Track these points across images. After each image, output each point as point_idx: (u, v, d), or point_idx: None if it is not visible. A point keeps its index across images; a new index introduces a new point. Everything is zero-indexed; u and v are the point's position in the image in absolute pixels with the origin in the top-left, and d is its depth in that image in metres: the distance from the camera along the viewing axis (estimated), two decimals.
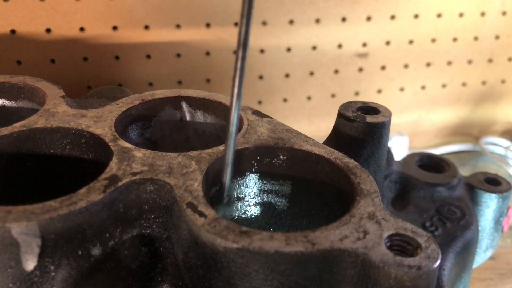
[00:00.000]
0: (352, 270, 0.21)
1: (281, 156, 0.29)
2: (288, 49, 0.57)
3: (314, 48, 0.57)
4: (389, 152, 0.39)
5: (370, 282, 0.21)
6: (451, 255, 0.34)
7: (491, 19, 0.60)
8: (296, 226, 0.31)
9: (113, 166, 0.26)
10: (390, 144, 0.47)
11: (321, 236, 0.21)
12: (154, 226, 0.25)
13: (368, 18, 0.57)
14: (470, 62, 0.63)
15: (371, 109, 0.33)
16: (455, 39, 0.61)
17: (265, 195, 0.30)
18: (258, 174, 0.30)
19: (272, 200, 0.30)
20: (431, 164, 0.41)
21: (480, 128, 0.69)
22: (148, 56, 0.54)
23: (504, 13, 0.60)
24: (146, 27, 0.52)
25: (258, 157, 0.29)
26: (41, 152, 0.30)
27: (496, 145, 0.66)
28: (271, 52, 0.57)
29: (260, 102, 0.60)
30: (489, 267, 0.46)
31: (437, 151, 0.64)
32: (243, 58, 0.21)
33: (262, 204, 0.31)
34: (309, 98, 0.61)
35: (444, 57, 0.62)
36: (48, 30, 0.50)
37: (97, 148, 0.29)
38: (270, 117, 0.32)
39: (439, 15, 0.59)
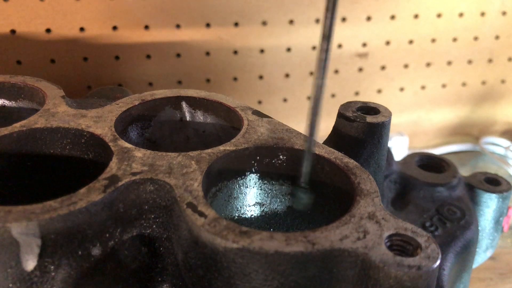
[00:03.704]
0: (352, 270, 0.21)
1: (281, 156, 0.29)
2: (288, 49, 0.57)
3: (314, 48, 0.57)
4: (389, 152, 0.39)
5: (370, 282, 0.21)
6: (451, 255, 0.34)
7: (491, 19, 0.60)
8: (296, 226, 0.31)
9: (113, 166, 0.26)
10: (390, 144, 0.47)
11: (321, 236, 0.21)
12: (154, 226, 0.25)
13: (368, 18, 0.57)
14: (470, 62, 0.63)
15: (371, 109, 0.33)
16: (455, 39, 0.61)
17: (265, 195, 0.30)
18: (258, 174, 0.30)
19: (272, 200, 0.30)
20: (431, 164, 0.41)
21: (480, 128, 0.69)
22: (148, 56, 0.54)
23: (504, 13, 0.60)
24: (146, 27, 0.52)
25: (258, 157, 0.29)
26: (41, 152, 0.30)
27: (496, 145, 0.66)
28: (271, 52, 0.57)
29: (260, 102, 0.60)
30: (489, 267, 0.46)
31: (437, 151, 0.64)
32: (327, 50, 0.22)
33: (262, 204, 0.31)
34: (309, 98, 0.61)
35: (444, 57, 0.62)
36: (48, 30, 0.50)
37: (97, 148, 0.29)
38: (270, 117, 0.32)
39: (439, 15, 0.59)
